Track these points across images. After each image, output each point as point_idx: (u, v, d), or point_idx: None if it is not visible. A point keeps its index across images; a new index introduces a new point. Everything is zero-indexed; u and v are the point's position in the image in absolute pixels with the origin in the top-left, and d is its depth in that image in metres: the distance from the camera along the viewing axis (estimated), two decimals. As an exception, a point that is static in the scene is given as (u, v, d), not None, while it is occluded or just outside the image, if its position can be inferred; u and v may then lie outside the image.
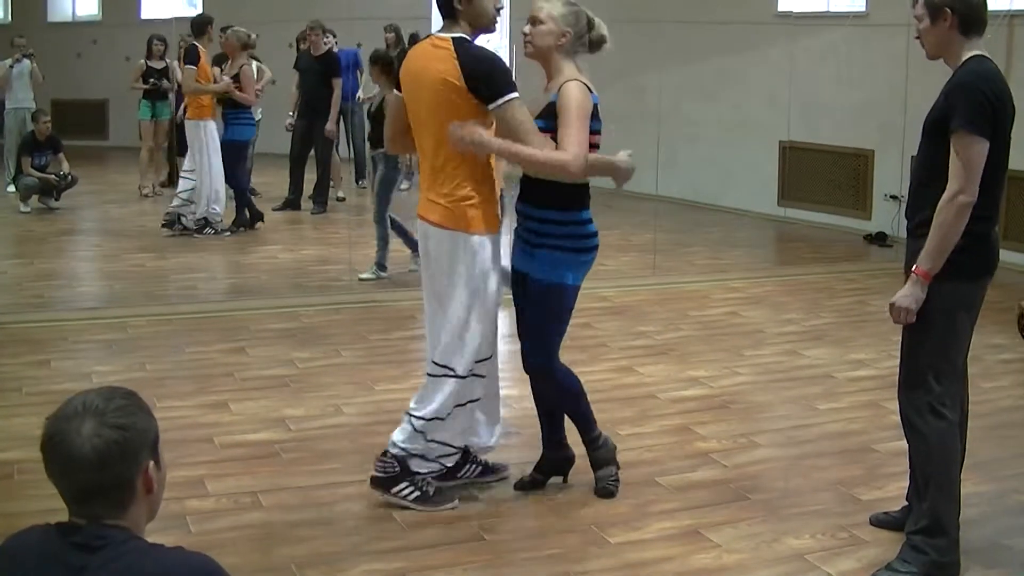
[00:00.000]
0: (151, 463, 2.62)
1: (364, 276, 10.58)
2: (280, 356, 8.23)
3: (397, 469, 5.51)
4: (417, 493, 5.53)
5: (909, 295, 4.77)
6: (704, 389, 7.57)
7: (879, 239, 13.21)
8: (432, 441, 5.46)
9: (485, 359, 5.45)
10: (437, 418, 5.43)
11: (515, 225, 5.66)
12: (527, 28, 5.55)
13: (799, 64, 14.31)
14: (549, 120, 5.38)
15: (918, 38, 5.03)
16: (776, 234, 14.41)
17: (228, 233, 13.00)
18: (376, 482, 5.59)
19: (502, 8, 5.43)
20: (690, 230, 13.92)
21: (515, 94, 5.15)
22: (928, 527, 4.96)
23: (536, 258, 5.49)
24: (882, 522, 5.41)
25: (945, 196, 4.70)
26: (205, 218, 12.96)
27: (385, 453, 5.56)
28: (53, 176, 14.66)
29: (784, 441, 6.65)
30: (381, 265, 10.65)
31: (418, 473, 5.52)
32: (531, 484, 5.91)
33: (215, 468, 6.08)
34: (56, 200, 14.73)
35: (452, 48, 5.21)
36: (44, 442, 2.58)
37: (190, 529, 5.29)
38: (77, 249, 13.33)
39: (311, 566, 4.99)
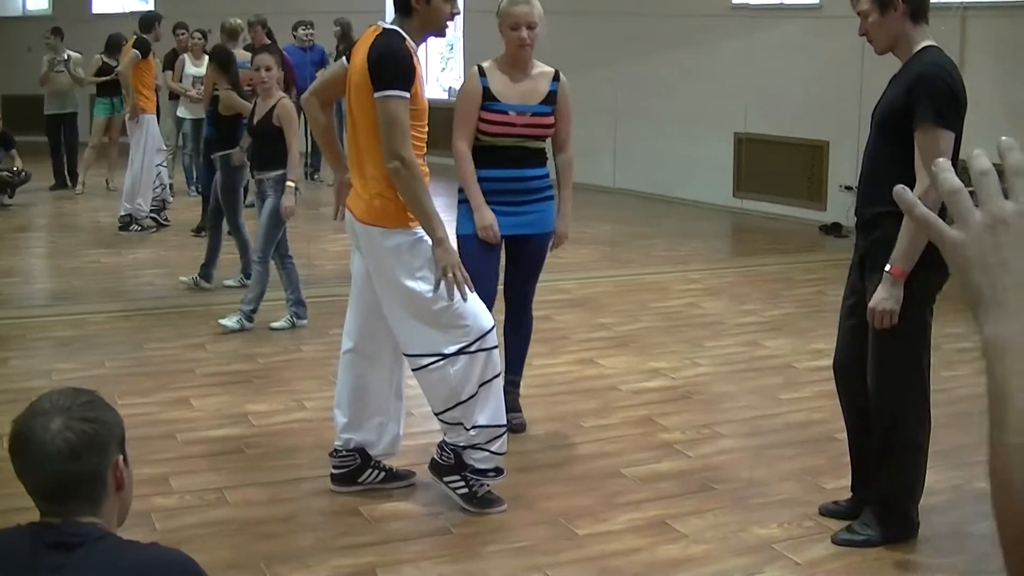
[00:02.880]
0: (120, 458, 2.65)
1: (228, 282, 10.18)
2: (241, 351, 8.21)
3: (452, 460, 5.49)
4: (465, 490, 5.48)
5: (889, 296, 4.77)
6: (666, 380, 7.59)
7: (834, 230, 13.28)
8: (474, 427, 5.35)
9: (486, 331, 5.30)
10: (459, 403, 5.33)
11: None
12: (525, 33, 6.20)
13: (754, 56, 14.36)
14: (553, 105, 6.39)
15: (864, 35, 5.03)
16: (733, 225, 14.46)
17: (154, 229, 12.94)
18: (433, 467, 5.60)
19: (457, 13, 5.48)
20: (647, 222, 13.94)
21: (399, 92, 5.09)
22: (888, 497, 5.05)
23: (544, 211, 6.47)
24: (831, 512, 5.44)
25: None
26: (130, 215, 12.87)
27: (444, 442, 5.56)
28: (6, 173, 14.57)
29: (747, 431, 6.68)
30: (247, 273, 9.96)
31: (473, 467, 5.45)
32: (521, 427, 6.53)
33: (179, 465, 6.05)
34: (10, 198, 14.64)
35: (376, 36, 5.26)
36: (12, 441, 2.59)
37: (156, 527, 5.27)
38: (32, 246, 13.25)
39: (280, 562, 4.98)
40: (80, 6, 21.41)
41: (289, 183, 8.57)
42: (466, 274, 5.21)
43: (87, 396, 2.66)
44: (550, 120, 6.39)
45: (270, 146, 8.59)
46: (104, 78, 15.15)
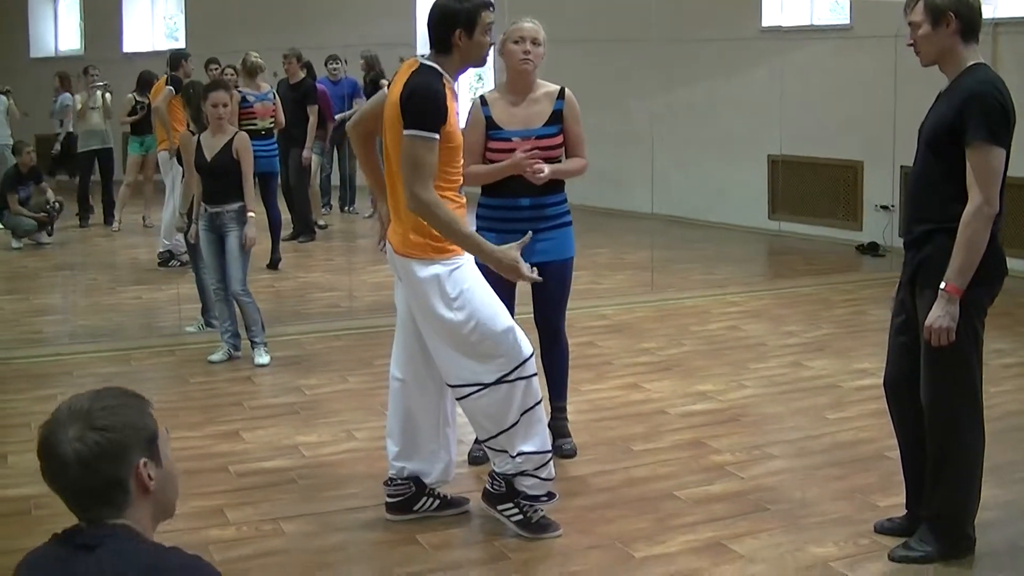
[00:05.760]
0: (144, 462, 2.64)
1: (189, 328, 9.99)
2: (287, 384, 8.25)
3: (503, 488, 5.51)
4: (520, 516, 5.50)
5: (945, 314, 4.76)
6: (713, 403, 7.60)
7: (871, 249, 13.27)
8: (520, 455, 5.38)
9: (524, 359, 5.33)
10: (502, 431, 5.36)
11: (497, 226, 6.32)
12: (529, 47, 6.20)
13: (786, 78, 14.38)
14: (559, 124, 6.38)
15: (911, 44, 5.03)
16: (769, 247, 14.46)
17: None
18: (485, 496, 5.63)
19: (493, 44, 5.50)
20: (684, 246, 13.97)
21: (426, 134, 5.09)
22: (944, 513, 5.04)
23: (558, 238, 6.42)
24: (886, 529, 5.43)
25: (969, 210, 4.70)
26: (169, 251, 12.91)
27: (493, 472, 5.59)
28: (43, 213, 14.64)
29: (797, 451, 6.68)
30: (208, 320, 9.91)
31: (525, 493, 5.48)
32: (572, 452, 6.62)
33: (233, 497, 6.09)
34: (49, 235, 14.70)
35: (412, 73, 5.24)
36: (38, 449, 2.64)
37: (214, 558, 5.27)
38: (71, 283, 13.31)
39: (340, 591, 5.02)
40: (112, 45, 21.48)
41: (250, 214, 8.69)
42: (526, 270, 5.25)
43: (109, 400, 2.65)
44: (556, 141, 6.39)
45: (226, 179, 8.68)
46: (136, 117, 15.23)
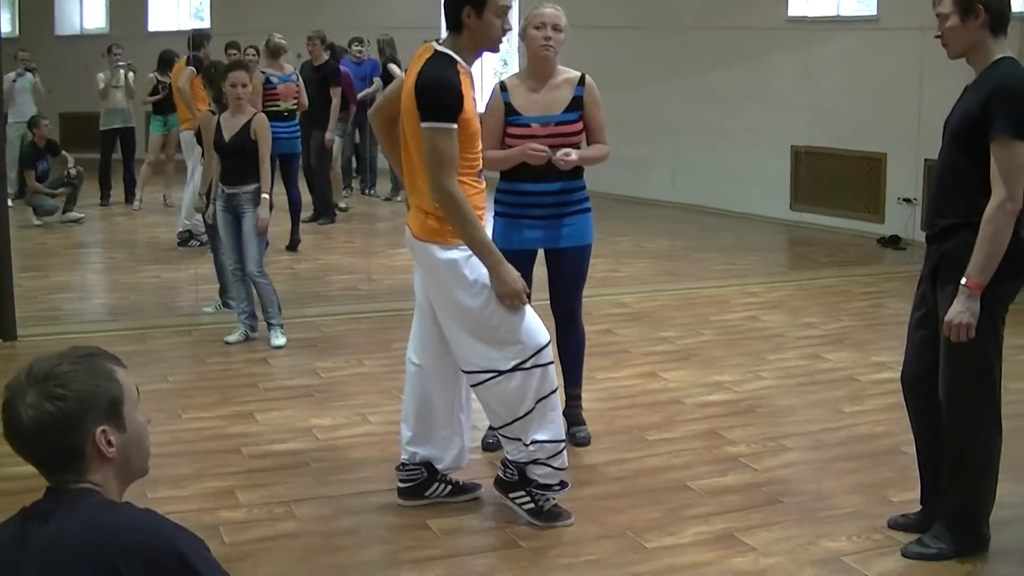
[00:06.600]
0: (102, 428, 2.57)
1: (206, 309, 9.99)
2: (303, 366, 8.24)
3: (516, 476, 5.50)
4: (532, 505, 5.49)
5: (965, 309, 4.72)
6: (729, 394, 7.56)
7: (893, 242, 13.18)
8: (533, 443, 5.36)
9: (541, 347, 5.30)
10: (517, 419, 5.34)
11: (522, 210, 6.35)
12: (550, 32, 6.17)
13: (812, 69, 14.30)
14: (579, 111, 6.32)
15: (939, 36, 4.98)
16: (790, 238, 14.37)
17: None
18: (497, 483, 5.62)
19: (510, 29, 5.40)
20: (705, 235, 13.89)
21: (443, 124, 5.06)
22: (960, 510, 5.01)
23: (577, 224, 6.41)
24: (900, 525, 5.40)
25: (992, 205, 4.65)
26: (189, 230, 12.92)
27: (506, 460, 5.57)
28: (70, 186, 14.65)
29: (812, 444, 6.64)
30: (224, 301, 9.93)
31: (537, 482, 5.46)
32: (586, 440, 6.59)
33: (245, 478, 6.07)
34: (71, 210, 14.71)
35: (426, 61, 5.19)
36: (1, 412, 2.58)
37: (224, 540, 5.28)
38: (90, 261, 13.35)
39: (351, 575, 5.00)
40: (137, 24, 21.58)
41: (264, 195, 8.65)
42: (527, 290, 5.27)
43: (69, 365, 2.57)
44: (575, 127, 6.34)
45: (244, 160, 8.66)
46: (157, 97, 15.26)
